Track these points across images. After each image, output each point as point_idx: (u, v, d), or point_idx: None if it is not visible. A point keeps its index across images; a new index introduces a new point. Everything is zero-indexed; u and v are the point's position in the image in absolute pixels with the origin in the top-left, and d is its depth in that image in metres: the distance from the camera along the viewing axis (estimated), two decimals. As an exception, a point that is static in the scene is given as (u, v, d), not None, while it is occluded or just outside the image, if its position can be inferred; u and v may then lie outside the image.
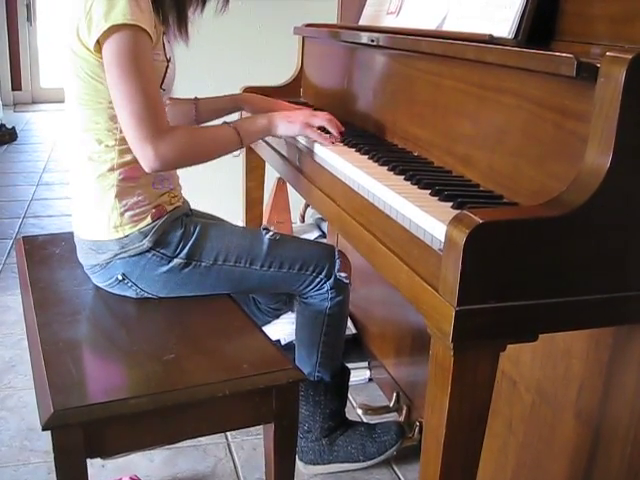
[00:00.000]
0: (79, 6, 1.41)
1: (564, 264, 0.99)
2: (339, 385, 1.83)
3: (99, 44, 1.41)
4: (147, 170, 1.48)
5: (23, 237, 1.93)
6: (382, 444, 1.83)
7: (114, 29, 1.39)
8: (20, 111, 7.65)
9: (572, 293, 1.00)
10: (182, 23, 1.57)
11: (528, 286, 0.98)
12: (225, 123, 1.62)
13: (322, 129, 1.68)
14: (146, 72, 1.44)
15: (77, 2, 1.42)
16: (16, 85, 8.03)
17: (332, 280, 1.64)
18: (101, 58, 1.43)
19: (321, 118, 1.68)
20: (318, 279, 1.64)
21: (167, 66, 1.56)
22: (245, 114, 2.04)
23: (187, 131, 1.57)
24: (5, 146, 5.86)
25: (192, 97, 1.92)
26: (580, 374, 1.31)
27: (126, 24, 1.38)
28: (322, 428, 1.82)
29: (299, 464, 1.83)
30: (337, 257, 1.66)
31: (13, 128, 6.14)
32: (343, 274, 1.65)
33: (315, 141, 1.66)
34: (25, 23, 7.91)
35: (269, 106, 1.90)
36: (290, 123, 1.65)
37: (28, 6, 7.87)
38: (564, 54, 1.06)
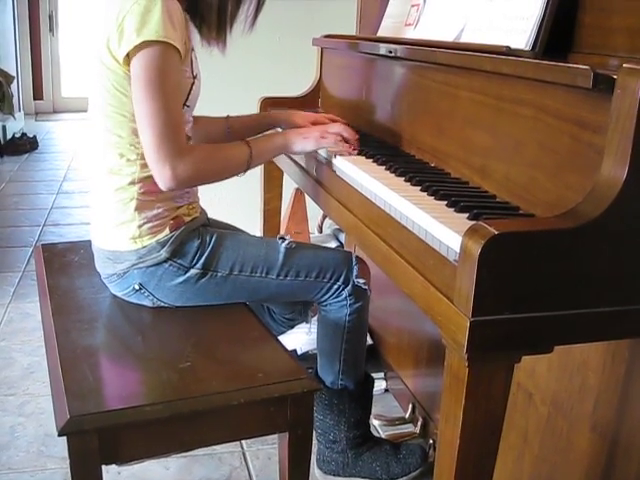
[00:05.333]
0: (111, 18, 1.42)
1: (580, 276, 0.99)
2: (363, 393, 1.82)
3: (128, 57, 1.42)
4: (163, 188, 1.49)
5: (42, 245, 1.94)
6: (407, 466, 1.81)
7: (145, 44, 1.40)
8: (41, 120, 7.73)
9: (588, 305, 1.00)
10: (222, 27, 1.57)
11: (543, 298, 0.98)
12: (244, 141, 1.62)
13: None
14: (171, 90, 1.44)
15: (109, 14, 1.43)
16: (38, 94, 8.12)
17: (350, 287, 1.63)
18: (129, 71, 1.44)
19: (334, 129, 1.69)
20: (336, 286, 1.62)
21: (193, 82, 1.57)
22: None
23: (205, 151, 1.57)
24: (26, 155, 5.92)
25: (224, 115, 1.91)
26: (596, 387, 1.30)
27: (158, 41, 1.40)
28: (347, 438, 1.79)
29: (318, 473, 1.83)
30: (355, 263, 1.64)
31: (34, 137, 6.21)
32: (361, 280, 1.63)
33: (334, 152, 1.67)
34: (47, 33, 8.02)
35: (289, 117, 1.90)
36: (305, 139, 1.66)
37: (50, 17, 7.99)
38: (580, 66, 1.06)
